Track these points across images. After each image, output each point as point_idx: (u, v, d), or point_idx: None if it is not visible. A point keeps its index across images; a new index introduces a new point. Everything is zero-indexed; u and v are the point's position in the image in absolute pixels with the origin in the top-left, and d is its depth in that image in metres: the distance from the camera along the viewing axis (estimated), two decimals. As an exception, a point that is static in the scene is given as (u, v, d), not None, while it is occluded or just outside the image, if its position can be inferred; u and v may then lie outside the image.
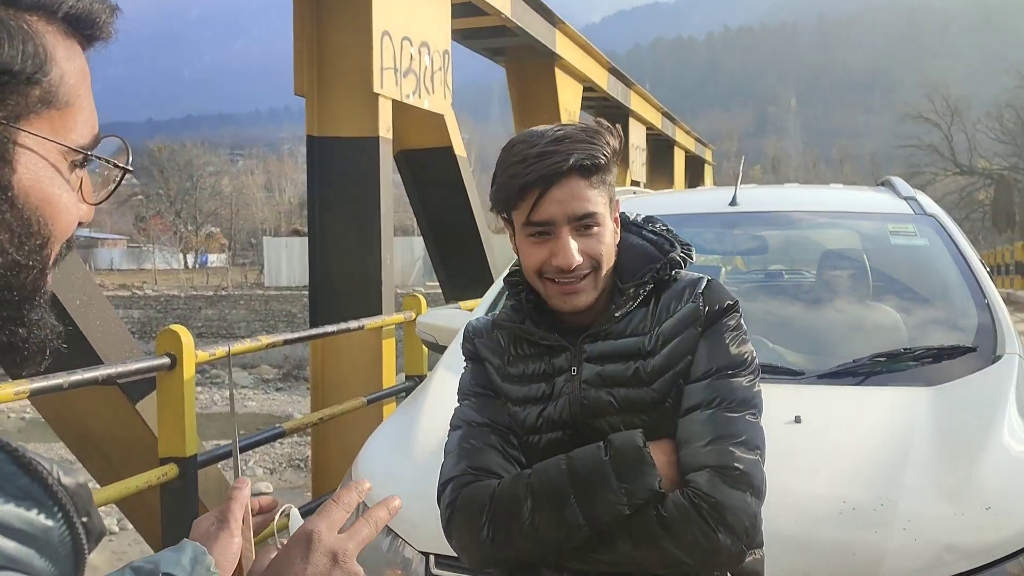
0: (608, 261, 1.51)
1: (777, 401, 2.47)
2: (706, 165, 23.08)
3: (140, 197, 61.64)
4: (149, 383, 3.51)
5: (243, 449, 3.83)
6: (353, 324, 4.54)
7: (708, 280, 1.57)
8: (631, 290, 1.54)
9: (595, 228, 1.47)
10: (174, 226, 54.82)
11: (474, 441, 1.57)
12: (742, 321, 1.55)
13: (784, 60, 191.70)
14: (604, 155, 1.46)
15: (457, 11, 7.05)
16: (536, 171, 1.45)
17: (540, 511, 1.43)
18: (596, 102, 12.99)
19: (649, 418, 1.51)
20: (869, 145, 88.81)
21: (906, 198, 3.63)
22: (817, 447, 2.21)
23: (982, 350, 2.70)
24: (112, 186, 0.79)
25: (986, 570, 1.83)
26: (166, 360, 3.23)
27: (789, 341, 2.99)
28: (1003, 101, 46.60)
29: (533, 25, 8.61)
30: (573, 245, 1.46)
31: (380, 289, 5.50)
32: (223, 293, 35.82)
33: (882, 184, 4.15)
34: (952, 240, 3.29)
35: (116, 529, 9.20)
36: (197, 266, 52.96)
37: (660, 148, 18.13)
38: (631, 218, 1.66)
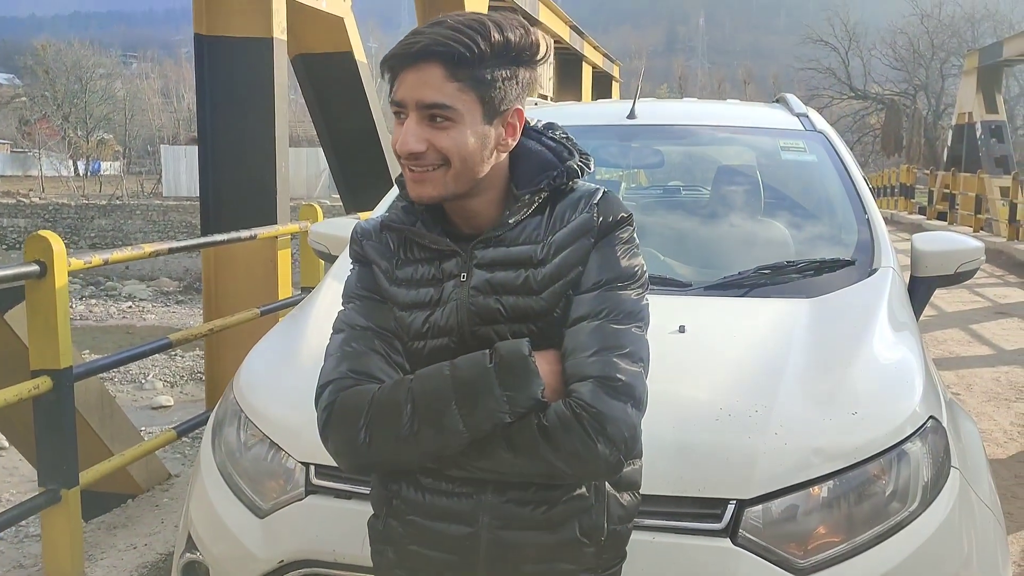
0: (467, 162, 1.45)
1: (664, 312, 2.50)
2: (614, 82, 23.01)
3: (23, 99, 58.00)
4: (20, 292, 3.32)
5: (128, 360, 3.70)
6: (245, 233, 4.39)
7: (604, 192, 1.55)
8: (526, 197, 1.51)
9: (445, 122, 1.42)
10: (62, 131, 51.82)
11: (356, 344, 1.53)
12: (634, 235, 1.54)
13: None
14: (473, 49, 1.40)
15: (356, -94, 6.70)
16: (396, 50, 1.43)
17: (419, 416, 1.41)
18: (504, 11, 12.68)
19: (537, 328, 1.49)
20: (772, 67, 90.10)
21: (798, 115, 3.68)
22: (698, 356, 2.25)
23: (860, 264, 2.78)
24: None
25: (850, 471, 1.91)
26: (35, 268, 3.05)
27: (681, 254, 3.03)
28: (897, 28, 47.79)
29: (436, -73, 8.29)
30: (414, 132, 1.42)
31: (275, 198, 5.33)
32: (118, 203, 34.34)
33: (777, 101, 4.19)
34: (839, 157, 3.35)
35: (5, 444, 8.90)
36: (89, 174, 50.45)
37: (568, 63, 17.96)
38: (531, 124, 1.60)
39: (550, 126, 1.63)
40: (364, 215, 5.18)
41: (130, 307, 20.73)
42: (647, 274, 1.55)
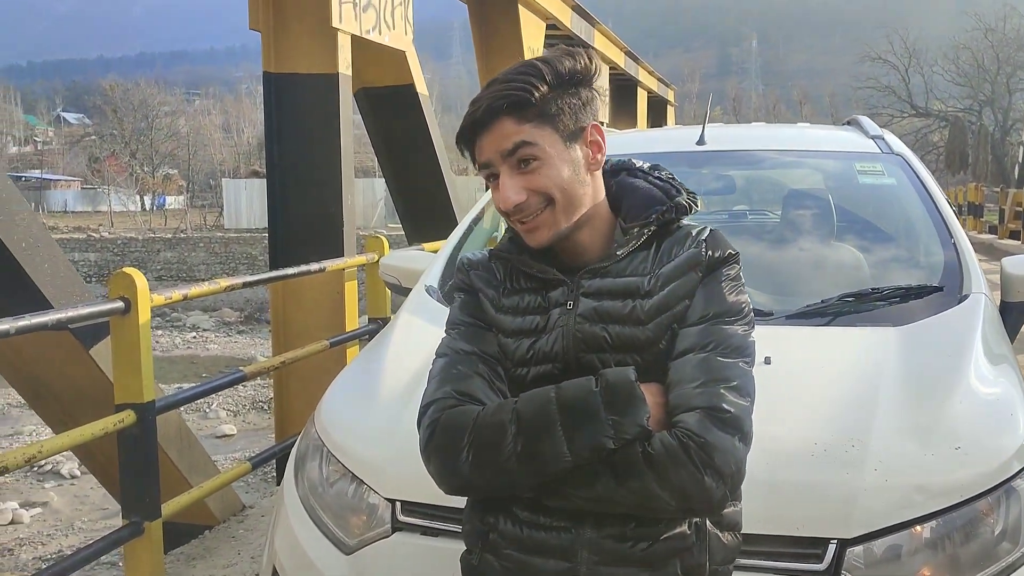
0: (568, 193, 1.49)
1: (746, 342, 2.46)
2: (668, 106, 22.94)
3: (93, 137, 60.12)
4: (104, 328, 3.40)
5: (205, 393, 3.76)
6: (314, 266, 4.45)
7: (711, 229, 1.57)
8: (635, 230, 1.54)
9: (535, 163, 1.46)
10: (130, 167, 53.55)
11: (461, 367, 1.54)
12: (741, 273, 1.56)
13: (745, 1, 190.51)
14: (531, 91, 1.45)
15: (417, -56, 6.81)
16: (468, 119, 1.49)
17: (524, 438, 1.40)
18: (560, 40, 12.75)
19: (642, 359, 1.49)
20: (828, 86, 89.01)
21: (873, 137, 3.60)
22: (787, 388, 2.19)
23: (948, 289, 2.69)
24: None
25: (956, 509, 1.83)
26: (120, 304, 3.12)
27: (757, 282, 2.96)
28: (960, 43, 46.84)
29: (495, -41, 8.37)
30: (510, 185, 1.47)
31: (341, 230, 5.39)
32: (182, 235, 35.21)
33: (848, 123, 4.12)
34: (919, 179, 3.27)
35: (77, 473, 9.11)
36: (154, 208, 51.96)
37: (624, 88, 17.95)
38: (637, 164, 1.65)
39: (656, 167, 1.66)
40: (429, 247, 5.21)
41: (194, 337, 21.19)
42: (752, 312, 1.55)
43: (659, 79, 21.08)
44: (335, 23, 5.28)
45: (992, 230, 20.68)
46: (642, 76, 18.39)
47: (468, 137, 1.50)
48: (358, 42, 5.74)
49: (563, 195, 1.48)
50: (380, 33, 5.91)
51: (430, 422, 1.49)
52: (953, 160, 42.91)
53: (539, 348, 1.52)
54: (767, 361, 2.28)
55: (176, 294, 3.48)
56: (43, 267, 3.49)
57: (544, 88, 1.46)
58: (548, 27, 11.05)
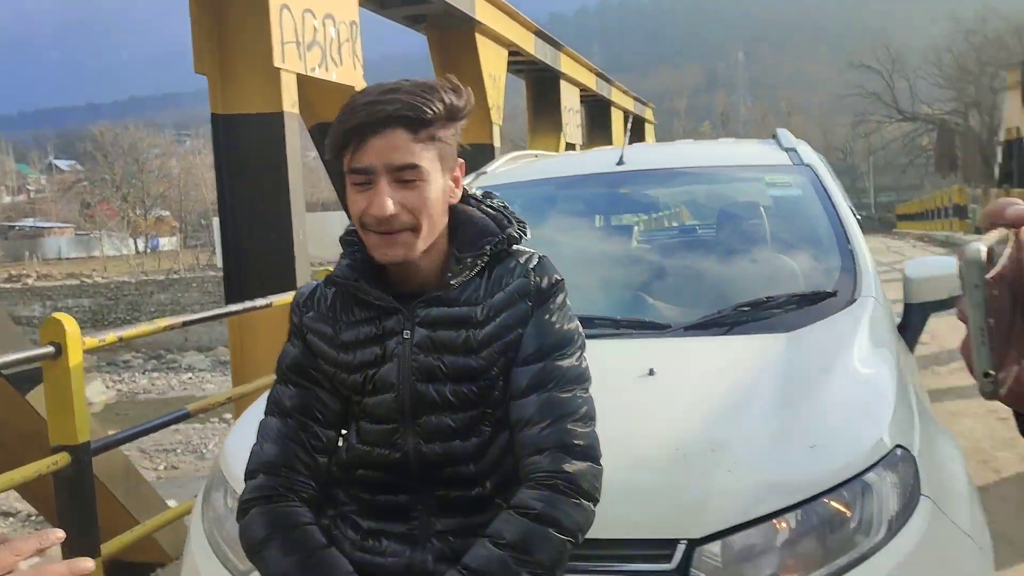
0: (432, 219, 1.54)
1: (637, 355, 2.55)
2: (647, 124, 23.11)
3: (85, 183, 60.32)
4: (39, 372, 3.49)
5: (145, 432, 3.83)
6: (260, 302, 4.52)
7: (540, 257, 1.64)
8: (468, 260, 1.59)
9: (416, 182, 1.50)
10: (122, 211, 53.76)
11: (282, 430, 1.66)
12: (567, 299, 1.64)
13: (730, 14, 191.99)
14: (432, 110, 1.49)
15: (366, -20, 6.97)
16: (359, 118, 1.48)
17: None
18: (525, 66, 12.93)
19: (477, 388, 1.57)
20: (816, 96, 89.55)
21: (787, 149, 3.69)
22: (664, 398, 2.26)
23: (841, 294, 2.77)
24: None
25: (805, 504, 1.90)
26: (50, 349, 3.21)
27: (667, 295, 3.05)
28: (942, 47, 47.16)
29: (449, -9, 8.53)
30: (389, 194, 1.49)
31: (293, 265, 5.49)
32: (175, 276, 35.28)
33: (774, 137, 4.22)
34: (824, 189, 3.36)
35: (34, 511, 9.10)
36: (148, 250, 52.11)
37: (598, 109, 18.13)
38: (471, 192, 1.71)
39: (488, 195, 1.73)
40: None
41: (190, 378, 21.20)
42: (583, 335, 1.64)
43: (635, 98, 21.27)
44: (277, 63, 5.41)
45: (979, 231, 20.69)
46: (616, 96, 18.57)
47: (356, 135, 1.48)
48: (307, 80, 5.87)
49: (428, 221, 1.53)
50: (327, 70, 6.04)
51: (242, 508, 1.66)
52: (942, 163, 43.05)
53: (378, 379, 1.59)
54: (651, 372, 2.37)
55: (111, 336, 3.55)
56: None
57: (440, 109, 1.51)
58: (511, 53, 11.20)
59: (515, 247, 1.66)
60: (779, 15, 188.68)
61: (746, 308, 2.72)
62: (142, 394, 19.43)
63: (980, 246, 0.58)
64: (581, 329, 1.65)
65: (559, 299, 1.62)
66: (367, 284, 1.61)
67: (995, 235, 0.63)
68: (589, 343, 1.67)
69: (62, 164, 79.98)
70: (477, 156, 8.81)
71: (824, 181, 3.42)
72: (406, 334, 1.58)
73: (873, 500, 1.95)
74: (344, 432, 1.72)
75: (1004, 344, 0.61)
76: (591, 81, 15.94)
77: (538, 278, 1.60)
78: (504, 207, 1.71)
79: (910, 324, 3.02)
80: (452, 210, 1.64)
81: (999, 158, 23.12)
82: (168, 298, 31.74)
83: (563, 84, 13.76)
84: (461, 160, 1.61)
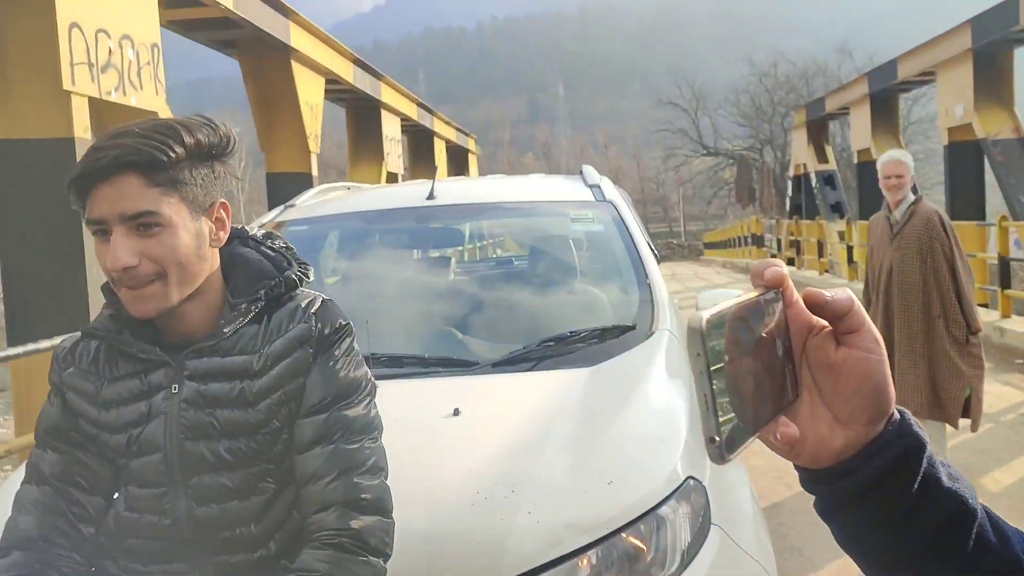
0: (184, 267, 1.42)
1: (443, 394, 2.52)
2: (470, 155, 23.44)
3: None
4: None
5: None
6: (44, 344, 4.18)
7: (323, 300, 1.56)
8: (243, 306, 1.50)
9: (155, 228, 1.39)
10: None
11: (40, 499, 1.50)
12: (355, 344, 1.56)
13: (550, 49, 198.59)
14: (167, 153, 1.38)
15: (171, 1, 6.66)
16: (82, 167, 1.38)
17: None
18: (344, 95, 12.79)
19: (256, 443, 1.47)
20: (631, 129, 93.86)
21: (591, 186, 3.81)
22: (468, 438, 2.25)
23: (640, 328, 2.86)
24: None
25: (604, 541, 1.92)
26: None
27: (476, 331, 3.06)
28: (739, 87, 50.81)
29: (260, 17, 8.29)
30: (123, 246, 1.38)
31: (87, 301, 5.10)
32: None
33: (579, 172, 4.34)
34: (624, 225, 3.48)
35: None
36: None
37: (421, 139, 18.20)
38: (251, 233, 1.61)
39: (269, 235, 1.64)
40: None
41: (-26, 421, 19.32)
42: (373, 381, 1.57)
43: (457, 129, 21.52)
44: (67, 86, 5.04)
45: (773, 258, 22.29)
46: (438, 127, 18.72)
47: (81, 185, 1.38)
48: (102, 104, 5.51)
49: (179, 269, 1.41)
50: (125, 94, 5.69)
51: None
52: (742, 195, 46.18)
53: (143, 439, 1.47)
54: (456, 412, 2.34)
55: None
56: None
57: (180, 152, 1.40)
58: (329, 81, 11.05)
59: (297, 291, 1.57)
60: (594, 50, 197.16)
61: (550, 343, 2.76)
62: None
63: (702, 315, 0.59)
64: (370, 375, 1.58)
65: (344, 345, 1.54)
66: (130, 335, 1.49)
67: (756, 294, 0.65)
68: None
69: None
70: (294, 185, 8.58)
71: (624, 217, 3.55)
72: (174, 388, 1.47)
73: (667, 532, 2.00)
74: (116, 497, 1.58)
75: (761, 406, 0.62)
76: (412, 111, 15.98)
77: (320, 323, 1.52)
78: (286, 247, 1.62)
79: None
80: (227, 253, 1.55)
81: (789, 191, 25.07)
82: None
83: (384, 113, 13.71)
84: (222, 201, 1.50)
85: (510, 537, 1.88)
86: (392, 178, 13.81)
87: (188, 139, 1.42)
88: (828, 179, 21.16)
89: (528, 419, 2.35)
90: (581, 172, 4.25)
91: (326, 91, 11.06)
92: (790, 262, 20.07)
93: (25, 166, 5.02)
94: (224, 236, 1.52)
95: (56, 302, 5.07)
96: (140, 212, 1.38)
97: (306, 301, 1.55)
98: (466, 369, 2.70)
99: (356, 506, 1.45)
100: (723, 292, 3.31)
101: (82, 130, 5.14)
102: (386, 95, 13.79)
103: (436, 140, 18.57)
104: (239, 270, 1.54)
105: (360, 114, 13.60)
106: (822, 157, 21.51)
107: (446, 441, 2.22)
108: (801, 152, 22.68)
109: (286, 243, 1.64)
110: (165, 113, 6.31)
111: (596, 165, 4.39)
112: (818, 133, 22.04)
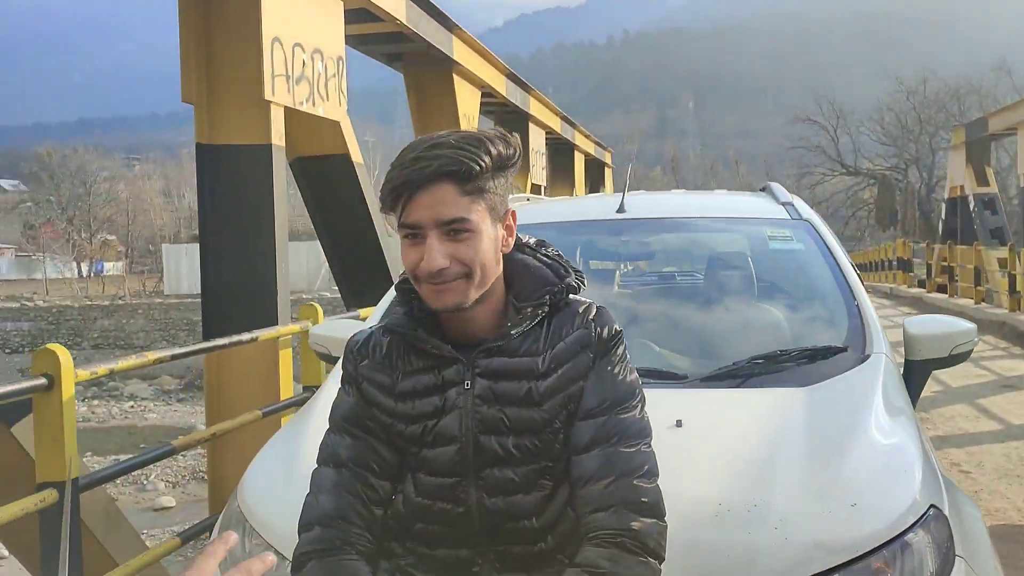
0: (485, 269, 1.52)
1: (661, 405, 2.54)
2: (606, 168, 23.45)
3: (28, 204, 58.90)
4: (27, 405, 3.36)
5: (132, 468, 3.71)
6: (245, 336, 4.44)
7: (598, 307, 1.63)
8: (528, 310, 1.58)
9: (465, 234, 1.49)
10: (66, 234, 52.54)
11: (338, 481, 1.61)
12: (626, 351, 1.63)
13: (681, 64, 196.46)
14: (479, 163, 1.48)
15: (351, 17, 6.98)
16: (405, 175, 1.48)
17: None
18: (496, 107, 13.06)
19: (540, 441, 1.55)
20: (763, 147, 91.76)
21: (783, 203, 3.76)
22: (696, 450, 2.27)
23: (852, 350, 2.81)
24: None
25: (852, 564, 1.91)
26: (43, 381, 3.09)
27: (676, 345, 3.07)
28: (884, 105, 48.82)
29: (429, 31, 8.59)
30: (438, 249, 1.48)
31: (275, 299, 5.40)
32: (120, 302, 34.52)
33: (762, 190, 4.29)
34: (825, 244, 3.42)
35: (5, 554, 8.76)
36: (92, 274, 50.88)
37: (561, 152, 18.34)
38: (524, 240, 1.70)
39: (542, 243, 1.71)
40: (364, 312, 5.24)
41: (132, 407, 20.61)
42: (643, 388, 1.64)
43: (596, 142, 21.57)
44: (268, 96, 5.36)
45: (922, 284, 21.33)
46: (579, 140, 18.82)
47: (404, 192, 1.49)
48: (292, 113, 5.83)
49: (481, 270, 1.51)
50: (314, 104, 6.01)
51: (303, 556, 1.60)
52: (883, 217, 44.38)
53: (439, 430, 1.56)
54: (679, 424, 2.37)
55: (102, 368, 3.45)
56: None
57: (487, 162, 1.50)
58: (484, 94, 11.30)
59: (573, 297, 1.65)
60: (726, 66, 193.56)
61: (760, 360, 2.74)
62: (81, 422, 18.81)
63: None
64: (640, 381, 1.64)
65: (619, 350, 1.61)
66: (425, 333, 1.59)
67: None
68: None
69: (5, 184, 78.04)
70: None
71: (824, 236, 3.49)
72: (467, 385, 1.56)
73: (913, 560, 1.97)
74: (405, 483, 1.69)
75: None
76: (556, 124, 16.14)
77: (599, 328, 1.59)
78: (559, 256, 1.70)
79: (911, 380, 3.08)
80: (507, 259, 1.63)
81: (943, 215, 23.90)
82: (112, 324, 31.00)
83: (531, 126, 13.91)
84: (512, 209, 1.60)
85: (759, 552, 1.89)
86: (536, 190, 13.97)
87: (493, 150, 1.51)
88: (988, 203, 20.07)
89: (752, 435, 2.35)
90: (766, 189, 4.21)
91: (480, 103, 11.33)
92: (941, 289, 19.12)
93: (228, 170, 5.37)
94: (511, 242, 1.61)
95: (249, 297, 5.39)
96: (454, 219, 1.48)
97: (583, 307, 1.62)
98: (675, 382, 2.72)
99: (635, 508, 1.50)
100: (937, 318, 3.21)
101: (278, 137, 5.46)
102: (534, 108, 14.00)
103: (576, 153, 18.68)
104: (521, 276, 1.63)
105: (508, 127, 13.81)
106: (982, 180, 20.42)
107: (675, 452, 2.22)
108: (958, 174, 21.59)
109: (558, 251, 1.71)
110: (346, 123, 6.62)
111: (726, 182, 4.34)
112: (979, 154, 20.93)
